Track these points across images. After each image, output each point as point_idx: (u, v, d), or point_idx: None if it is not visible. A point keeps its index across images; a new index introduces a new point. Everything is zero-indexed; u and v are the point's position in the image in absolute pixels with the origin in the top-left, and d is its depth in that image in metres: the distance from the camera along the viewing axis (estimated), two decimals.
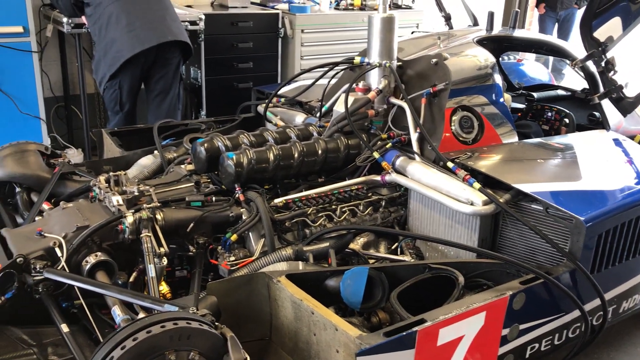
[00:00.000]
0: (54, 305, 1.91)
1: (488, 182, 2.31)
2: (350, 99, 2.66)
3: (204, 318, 1.60)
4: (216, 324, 1.63)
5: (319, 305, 1.72)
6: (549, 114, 3.31)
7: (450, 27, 3.73)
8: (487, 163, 2.44)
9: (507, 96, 2.90)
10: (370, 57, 2.74)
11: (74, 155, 4.41)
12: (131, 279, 2.09)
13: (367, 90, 2.70)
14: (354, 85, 2.74)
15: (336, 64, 2.94)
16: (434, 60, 2.67)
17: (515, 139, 2.70)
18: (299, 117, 3.12)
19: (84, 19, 3.86)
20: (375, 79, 2.74)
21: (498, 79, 2.74)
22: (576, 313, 2.09)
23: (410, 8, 5.86)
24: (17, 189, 2.65)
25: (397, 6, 5.83)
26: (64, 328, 1.80)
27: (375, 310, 1.97)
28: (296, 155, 2.45)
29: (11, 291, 1.93)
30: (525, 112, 3.49)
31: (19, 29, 3.81)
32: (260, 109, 3.34)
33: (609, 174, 2.41)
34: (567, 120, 3.23)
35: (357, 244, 2.36)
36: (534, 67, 4.60)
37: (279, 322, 1.88)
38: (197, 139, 2.60)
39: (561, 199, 2.13)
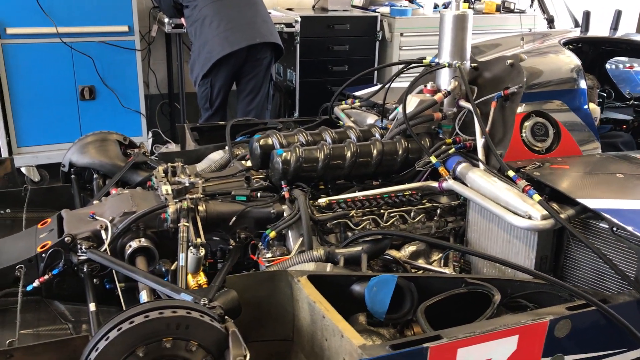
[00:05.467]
0: (90, 284, 1.99)
1: (555, 196, 2.09)
2: (417, 101, 2.54)
3: (210, 310, 1.58)
4: (225, 317, 1.60)
5: (330, 309, 1.64)
6: None
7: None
8: (557, 175, 2.21)
9: (594, 107, 2.62)
10: (441, 57, 2.59)
11: (173, 149, 4.65)
12: (172, 267, 2.13)
13: (436, 91, 2.56)
14: (422, 87, 2.62)
15: (407, 63, 2.82)
16: (510, 61, 2.47)
17: (598, 150, 2.42)
18: (371, 119, 3.03)
19: (183, 20, 4.06)
20: (445, 80, 2.59)
21: (583, 84, 2.48)
22: None
23: (523, 12, 5.54)
24: (95, 175, 2.82)
25: (508, 10, 5.54)
26: (92, 307, 1.87)
27: (411, 324, 1.85)
28: (348, 155, 2.37)
29: (58, 268, 2.04)
30: (630, 125, 3.15)
31: (124, 29, 4.08)
32: (337, 110, 3.29)
33: None
34: None
35: (404, 253, 2.24)
36: None
37: (299, 323, 1.82)
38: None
39: (632, 218, 1.87)
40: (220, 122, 3.62)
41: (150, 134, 4.63)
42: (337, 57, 4.82)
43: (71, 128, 4.17)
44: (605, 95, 3.45)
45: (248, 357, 1.51)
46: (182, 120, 4.57)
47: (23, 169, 4.20)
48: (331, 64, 4.80)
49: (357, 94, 3.44)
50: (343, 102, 3.33)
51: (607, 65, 3.75)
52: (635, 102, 3.55)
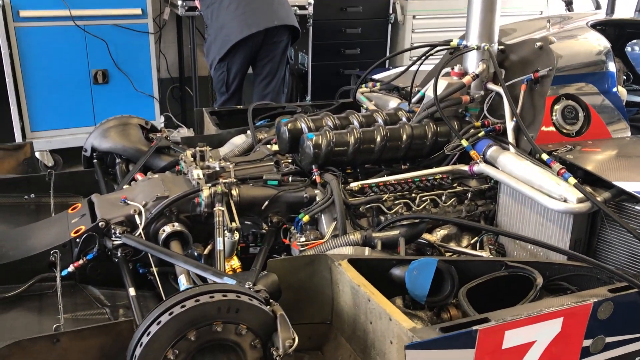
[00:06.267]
0: (127, 269, 1.99)
1: (588, 179, 2.09)
2: (444, 84, 2.52)
3: (257, 294, 1.58)
4: (270, 301, 1.61)
5: (376, 292, 1.64)
6: None
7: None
8: (589, 158, 2.21)
9: (622, 90, 2.61)
10: (469, 39, 2.57)
11: (185, 133, 4.63)
12: (205, 251, 2.13)
13: (463, 74, 2.55)
14: (449, 69, 2.60)
15: (433, 45, 2.80)
16: (539, 44, 2.46)
17: (628, 133, 2.42)
18: (393, 103, 3.02)
19: (197, 2, 4.02)
20: (473, 63, 2.58)
21: (612, 67, 2.47)
22: None
23: None
24: (117, 160, 2.80)
25: None
26: (132, 292, 1.86)
27: (447, 307, 1.86)
28: (378, 139, 2.36)
29: (92, 253, 2.04)
30: None
31: (138, 11, 4.04)
32: (357, 94, 3.27)
33: None
34: None
35: (436, 236, 2.24)
36: None
37: (339, 306, 1.82)
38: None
39: None
40: (239, 107, 3.60)
41: (162, 118, 4.60)
42: (350, 40, 4.78)
43: (84, 112, 4.14)
44: (625, 77, 3.45)
45: (296, 340, 1.52)
46: (194, 104, 4.54)
47: (37, 154, 4.17)
48: (343, 47, 4.77)
49: (376, 77, 3.42)
50: (363, 85, 3.31)
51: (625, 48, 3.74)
52: None
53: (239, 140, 2.93)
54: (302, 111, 3.29)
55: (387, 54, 4.92)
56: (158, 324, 1.44)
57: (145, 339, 1.44)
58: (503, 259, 1.98)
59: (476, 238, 2.22)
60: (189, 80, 4.87)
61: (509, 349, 1.56)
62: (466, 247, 2.20)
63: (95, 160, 2.80)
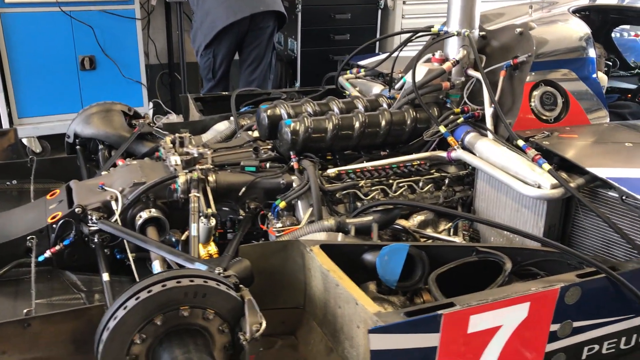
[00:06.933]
0: (102, 255, 2.00)
1: (564, 166, 2.10)
2: (425, 70, 2.52)
3: (226, 279, 1.59)
4: (241, 286, 1.62)
5: (344, 277, 1.65)
6: None
7: None
8: (566, 144, 2.21)
9: (602, 76, 2.61)
10: (449, 25, 2.57)
11: (174, 120, 4.61)
12: (183, 237, 2.14)
13: (444, 60, 2.55)
14: (430, 56, 2.60)
15: (415, 31, 2.79)
16: (519, 30, 2.45)
17: (607, 119, 2.42)
18: (377, 89, 3.01)
19: None
20: (454, 49, 2.57)
21: (592, 53, 2.47)
22: None
23: None
24: (100, 146, 2.81)
25: None
26: (105, 277, 1.88)
27: (421, 292, 1.87)
28: (357, 125, 2.37)
29: (69, 239, 2.05)
30: (635, 94, 3.15)
31: None
32: (342, 80, 3.27)
33: None
34: None
35: (413, 222, 2.25)
36: None
37: (311, 292, 1.84)
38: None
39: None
40: (224, 93, 3.60)
41: (151, 105, 4.60)
42: (339, 26, 4.76)
43: (72, 99, 4.14)
44: (610, 64, 3.44)
45: (264, 324, 1.53)
46: (183, 90, 4.54)
47: (24, 140, 4.18)
48: (333, 32, 4.75)
49: (362, 63, 3.42)
50: (348, 71, 3.31)
51: (612, 34, 3.72)
52: None
53: (222, 127, 2.93)
54: (288, 97, 3.29)
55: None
56: (125, 308, 1.45)
57: (112, 323, 1.45)
58: (474, 244, 2.00)
59: (450, 224, 2.23)
60: (178, 66, 4.87)
61: (474, 333, 1.58)
62: (441, 232, 2.21)
63: (77, 147, 2.81)
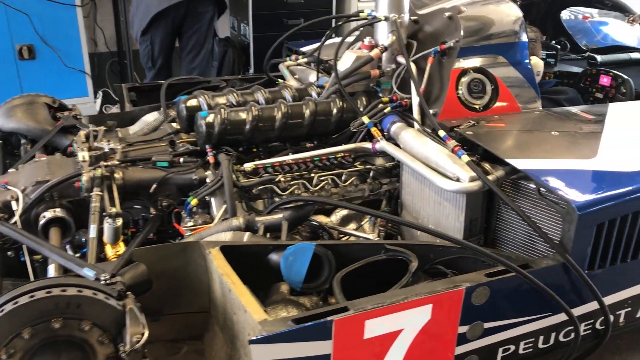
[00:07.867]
0: None
1: (488, 156, 2.01)
2: (353, 57, 2.42)
3: (108, 287, 1.49)
4: (127, 293, 1.52)
5: (237, 282, 1.56)
6: (605, 79, 2.88)
7: None
8: (491, 133, 2.13)
9: (536, 60, 2.52)
10: (378, 9, 2.46)
11: (113, 111, 4.47)
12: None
13: (373, 47, 2.44)
14: (360, 42, 2.49)
15: (345, 17, 2.68)
16: (447, 14, 2.35)
17: (538, 106, 2.34)
18: (314, 76, 2.90)
19: None
20: (384, 35, 2.47)
21: (524, 37, 2.37)
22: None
23: None
24: (23, 141, 2.68)
25: None
26: None
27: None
28: (278, 116, 2.26)
29: None
30: (579, 78, 3.06)
31: None
32: (282, 67, 3.16)
33: (634, 153, 2.01)
34: (623, 89, 2.79)
35: (336, 217, 2.16)
36: (617, 27, 4.03)
37: (214, 295, 1.74)
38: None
39: (559, 179, 1.80)
40: (161, 82, 3.46)
41: (99, 94, 4.45)
42: (292, 10, 4.61)
43: (11, 89, 3.97)
44: (559, 47, 3.36)
45: (146, 334, 1.44)
46: (129, 79, 4.39)
47: None
48: (286, 17, 4.60)
49: (304, 49, 3.31)
50: (288, 58, 3.19)
51: (564, 16, 3.64)
52: (591, 54, 3.46)
53: (151, 118, 2.80)
54: (230, 85, 3.17)
55: (332, 25, 4.77)
56: None
57: None
58: (384, 241, 1.91)
59: (366, 220, 2.14)
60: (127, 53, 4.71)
61: (371, 338, 1.50)
62: (357, 229, 2.12)
63: None
